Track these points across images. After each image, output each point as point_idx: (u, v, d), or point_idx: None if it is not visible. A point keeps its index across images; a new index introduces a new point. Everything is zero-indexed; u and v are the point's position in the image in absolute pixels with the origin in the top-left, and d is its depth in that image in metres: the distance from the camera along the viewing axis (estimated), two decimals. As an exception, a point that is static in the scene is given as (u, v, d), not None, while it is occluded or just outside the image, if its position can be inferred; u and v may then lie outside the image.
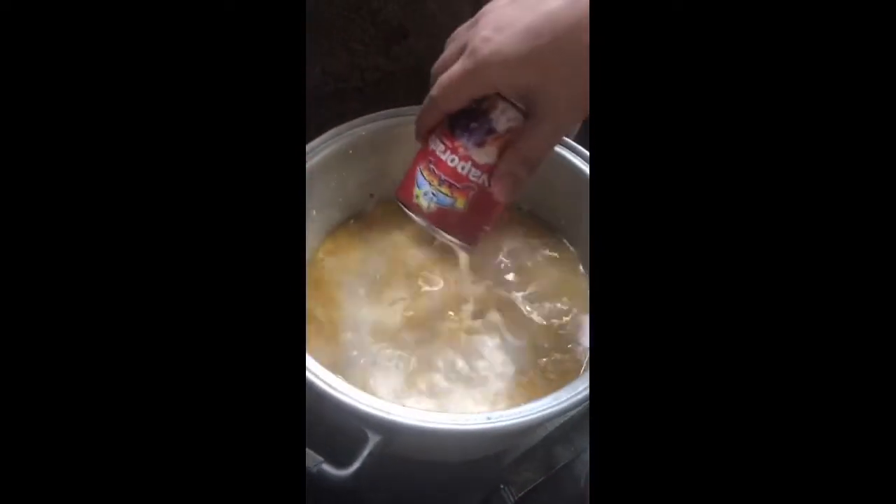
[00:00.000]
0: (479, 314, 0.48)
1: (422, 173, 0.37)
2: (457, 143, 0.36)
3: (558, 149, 0.49)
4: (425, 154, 0.38)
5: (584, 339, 0.47)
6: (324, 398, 0.35)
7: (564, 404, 0.36)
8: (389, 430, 0.35)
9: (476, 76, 0.34)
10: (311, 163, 0.46)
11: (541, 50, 0.32)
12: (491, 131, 0.35)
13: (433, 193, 0.37)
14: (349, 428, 0.35)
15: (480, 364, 0.45)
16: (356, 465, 0.34)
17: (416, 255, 0.50)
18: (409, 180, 0.38)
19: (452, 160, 0.36)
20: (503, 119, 0.35)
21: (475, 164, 0.36)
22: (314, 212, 0.49)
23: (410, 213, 0.38)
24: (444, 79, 0.35)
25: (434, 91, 0.36)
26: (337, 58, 0.54)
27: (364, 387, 0.42)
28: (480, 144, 0.36)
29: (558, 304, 0.49)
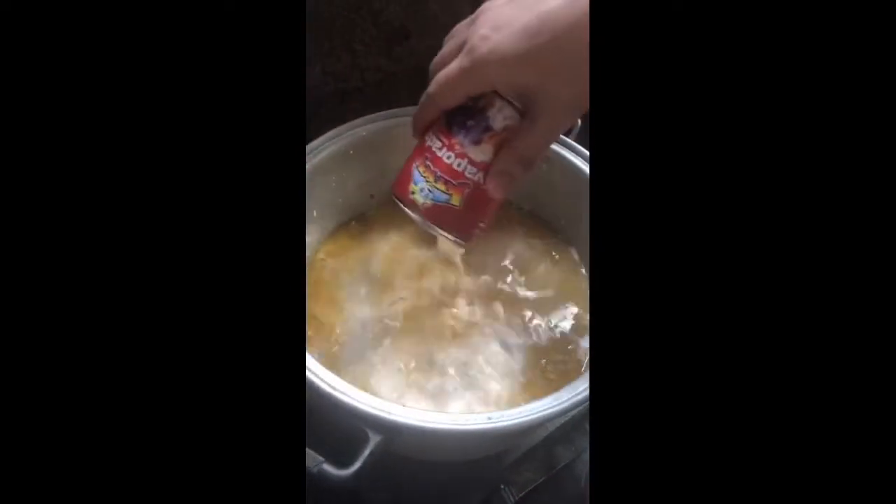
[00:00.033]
0: (479, 315, 0.48)
1: (418, 169, 0.38)
2: (453, 140, 0.36)
3: (558, 149, 0.49)
4: (422, 150, 0.38)
5: (585, 340, 0.47)
6: (324, 398, 0.35)
7: (565, 404, 0.36)
8: (390, 430, 0.35)
9: (473, 74, 0.34)
10: (311, 163, 0.46)
11: (538, 49, 0.32)
12: (487, 129, 0.36)
13: (429, 190, 0.37)
14: (350, 428, 0.35)
15: (481, 364, 0.45)
16: (357, 465, 0.34)
17: (416, 255, 0.50)
18: (405, 176, 0.38)
19: (449, 157, 0.36)
20: (500, 117, 0.35)
21: (471, 162, 0.36)
22: (314, 212, 0.49)
23: (406, 209, 0.39)
24: (441, 76, 0.35)
25: (431, 88, 0.36)
26: (338, 58, 0.54)
27: (365, 387, 0.42)
28: (477, 142, 0.36)
29: (558, 305, 0.49)
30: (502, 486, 0.49)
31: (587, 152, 0.49)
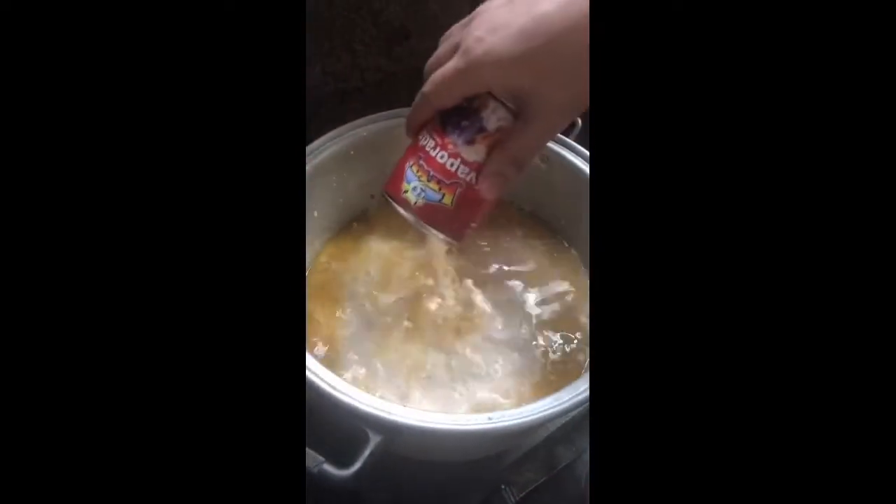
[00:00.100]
0: (480, 315, 0.48)
1: (411, 168, 0.38)
2: (447, 140, 0.36)
3: (558, 149, 0.49)
4: (415, 150, 0.38)
5: (585, 340, 0.47)
6: (324, 398, 0.35)
7: (566, 405, 0.36)
8: (390, 431, 0.35)
9: (468, 75, 0.34)
10: (312, 164, 0.46)
11: (533, 52, 0.32)
12: (481, 130, 0.36)
13: (421, 189, 0.37)
14: (350, 428, 0.35)
15: (481, 364, 0.45)
16: (357, 466, 0.34)
17: (417, 255, 0.50)
18: (397, 175, 0.39)
19: (442, 157, 0.37)
20: (493, 118, 0.35)
21: (464, 162, 0.36)
22: (315, 212, 0.49)
23: (398, 207, 0.39)
24: (436, 76, 0.35)
25: (426, 88, 0.36)
26: (338, 58, 0.54)
27: (365, 387, 0.42)
28: (470, 142, 0.36)
29: (559, 305, 0.49)
30: (503, 487, 0.49)
31: (587, 152, 0.49)
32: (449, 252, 0.49)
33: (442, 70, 0.35)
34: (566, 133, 0.49)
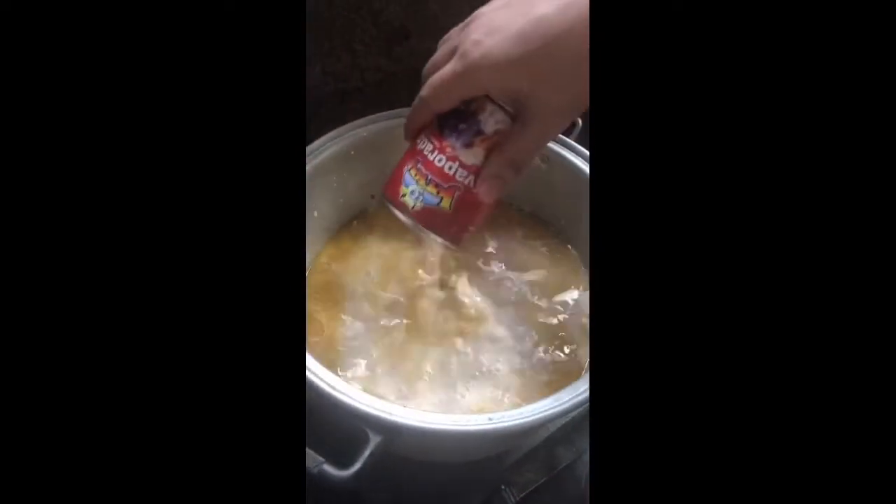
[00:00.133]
0: (480, 315, 0.48)
1: (409, 172, 0.38)
2: (445, 143, 0.36)
3: (558, 149, 0.49)
4: (413, 154, 0.38)
5: (585, 340, 0.47)
6: (324, 398, 0.35)
7: (566, 405, 0.36)
8: (391, 431, 0.35)
9: (466, 78, 0.34)
10: (312, 164, 0.46)
11: (531, 55, 0.32)
12: (479, 133, 0.36)
13: (420, 192, 0.37)
14: (350, 428, 0.35)
15: (482, 365, 0.45)
16: (357, 466, 0.34)
17: (417, 255, 0.50)
18: (396, 179, 0.39)
19: (440, 160, 0.37)
20: (491, 121, 0.35)
21: (462, 165, 0.36)
22: (315, 213, 0.49)
23: (396, 212, 0.39)
24: (434, 79, 0.35)
25: (424, 91, 0.36)
26: (338, 58, 0.54)
27: (365, 387, 0.42)
28: (468, 145, 0.36)
29: (559, 305, 0.49)
30: (503, 487, 0.49)
31: (587, 152, 0.49)
32: (449, 253, 0.49)
33: (440, 73, 0.35)
34: (566, 133, 0.49)
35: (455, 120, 0.36)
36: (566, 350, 0.47)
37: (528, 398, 0.43)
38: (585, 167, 0.49)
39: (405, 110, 0.49)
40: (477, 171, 0.37)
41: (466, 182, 0.37)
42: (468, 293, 0.48)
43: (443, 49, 0.37)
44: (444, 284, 0.49)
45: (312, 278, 0.49)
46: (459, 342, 0.46)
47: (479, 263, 0.51)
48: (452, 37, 0.37)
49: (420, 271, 0.49)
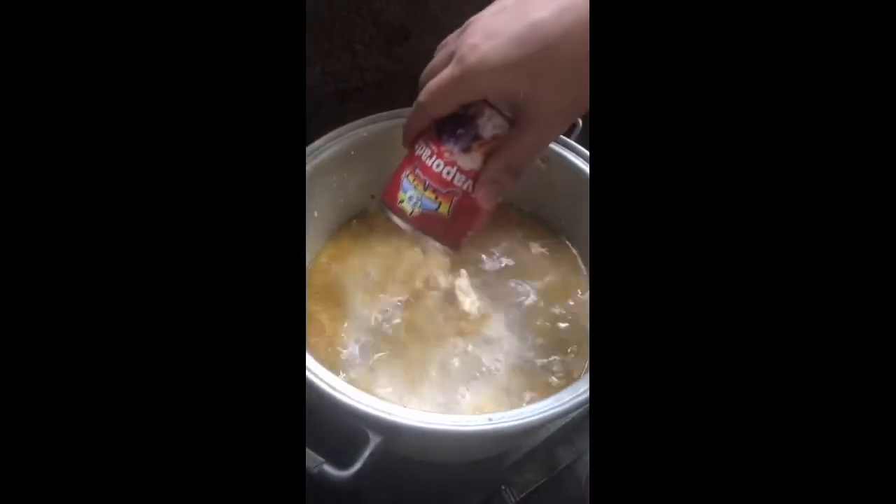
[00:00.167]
0: (480, 315, 0.48)
1: (407, 178, 0.38)
2: (443, 149, 0.36)
3: (558, 149, 0.49)
4: (411, 159, 0.38)
5: (585, 340, 0.47)
6: (324, 398, 0.35)
7: (566, 405, 0.36)
8: (391, 431, 0.35)
9: (464, 83, 0.34)
10: (312, 164, 0.46)
11: (529, 58, 0.32)
12: (477, 137, 0.36)
13: (418, 198, 0.37)
14: (350, 428, 0.35)
15: (482, 365, 0.45)
16: (357, 466, 0.34)
17: (417, 256, 0.50)
18: (394, 185, 0.39)
19: (438, 165, 0.36)
20: (489, 126, 0.35)
21: (460, 170, 0.36)
22: (315, 213, 0.49)
23: (394, 218, 0.39)
24: (432, 85, 0.35)
25: (422, 97, 0.36)
26: (338, 58, 0.54)
27: (365, 387, 0.42)
28: (466, 150, 0.36)
29: (559, 305, 0.49)
30: (503, 487, 0.49)
31: (587, 152, 0.49)
32: (451, 254, 0.49)
33: (437, 79, 0.35)
34: (567, 134, 0.49)
35: (453, 125, 0.36)
36: (566, 350, 0.47)
37: (528, 398, 0.43)
38: (585, 167, 0.49)
39: (405, 110, 0.49)
40: (475, 176, 0.36)
41: (465, 187, 0.37)
42: (468, 293, 0.48)
43: (440, 54, 0.37)
44: (444, 284, 0.49)
45: (312, 278, 0.49)
46: (459, 342, 0.46)
47: (480, 264, 0.51)
48: (449, 42, 0.37)
49: (420, 271, 0.49)
